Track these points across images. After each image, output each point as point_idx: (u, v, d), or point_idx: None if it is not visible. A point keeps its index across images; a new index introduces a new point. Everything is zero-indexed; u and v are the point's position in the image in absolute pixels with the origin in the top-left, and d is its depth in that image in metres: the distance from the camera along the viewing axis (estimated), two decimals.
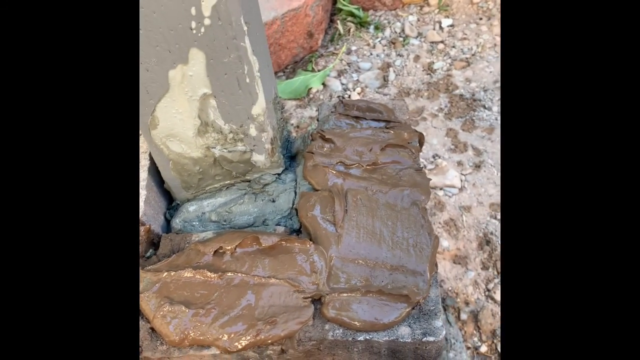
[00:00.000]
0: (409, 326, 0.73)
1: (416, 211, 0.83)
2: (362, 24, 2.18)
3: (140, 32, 0.72)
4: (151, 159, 0.94)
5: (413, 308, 0.73)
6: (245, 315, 0.73)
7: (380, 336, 0.72)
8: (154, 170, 0.94)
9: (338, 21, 2.20)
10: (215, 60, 0.75)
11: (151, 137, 0.85)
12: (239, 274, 0.77)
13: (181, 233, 0.89)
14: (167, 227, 0.95)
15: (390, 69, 2.02)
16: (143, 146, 0.95)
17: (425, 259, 0.77)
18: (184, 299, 0.75)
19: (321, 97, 1.93)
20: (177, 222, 0.92)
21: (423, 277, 0.75)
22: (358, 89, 1.96)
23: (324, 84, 1.96)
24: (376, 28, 2.17)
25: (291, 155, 0.99)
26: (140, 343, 0.75)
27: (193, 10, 0.70)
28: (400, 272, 0.76)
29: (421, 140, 0.96)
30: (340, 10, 2.20)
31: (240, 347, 0.72)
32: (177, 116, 0.82)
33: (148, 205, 0.89)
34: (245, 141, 0.87)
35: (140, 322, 0.76)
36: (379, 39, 2.14)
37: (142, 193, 0.88)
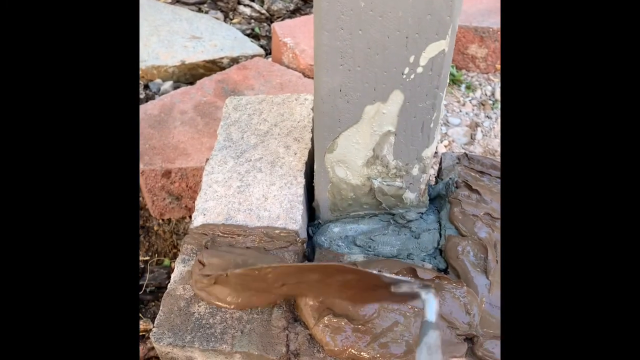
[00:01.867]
0: None
1: None
2: (454, 82, 2.27)
3: (357, 68, 0.80)
4: (306, 177, 1.02)
5: None
6: (403, 341, 0.79)
7: None
8: (305, 189, 1.02)
9: None
10: (411, 104, 0.83)
11: (323, 160, 0.93)
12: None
13: (331, 251, 0.95)
14: (309, 241, 1.02)
15: (478, 128, 2.10)
16: (298, 165, 1.03)
17: None
18: (346, 313, 0.81)
19: None
20: (322, 240, 0.99)
21: None
22: (445, 142, 2.04)
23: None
24: (467, 88, 2.27)
25: (430, 199, 1.06)
26: (297, 347, 0.80)
27: (412, 59, 0.78)
28: None
29: None
30: None
31: None
32: (354, 145, 0.90)
33: (303, 219, 0.96)
34: (405, 178, 0.94)
35: (298, 328, 0.82)
36: (469, 98, 2.23)
37: (300, 208, 0.95)
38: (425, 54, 0.77)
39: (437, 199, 1.05)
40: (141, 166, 1.56)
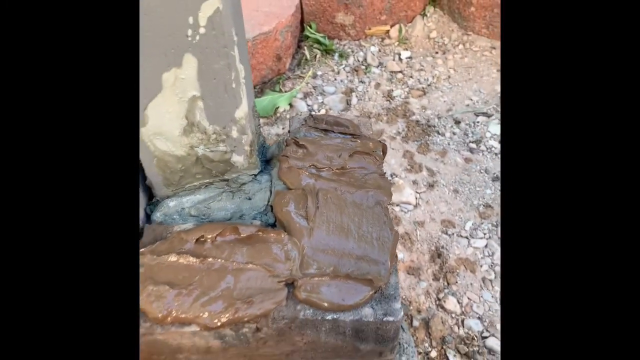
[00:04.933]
0: (372, 307, 0.82)
1: (379, 210, 0.93)
2: (327, 51, 2.31)
3: (146, 34, 0.80)
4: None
5: (375, 292, 0.83)
6: (225, 295, 0.81)
7: (346, 316, 0.80)
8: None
9: (305, 47, 2.33)
10: (206, 65, 0.84)
11: (141, 134, 0.92)
12: (219, 260, 0.84)
13: (162, 224, 0.95)
14: (147, 221, 1.01)
15: (353, 93, 2.15)
16: None
17: (387, 251, 0.87)
18: (168, 280, 0.82)
19: (287, 116, 2.03)
20: (157, 216, 0.99)
21: (385, 265, 0.85)
22: (323, 111, 2.07)
23: (290, 105, 2.07)
24: (340, 56, 2.31)
25: (266, 160, 1.08)
26: None
27: (190, 19, 0.79)
28: (365, 261, 0.85)
29: (384, 149, 1.07)
30: (307, 37, 2.34)
31: (219, 324, 0.79)
32: (166, 115, 0.90)
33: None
34: (227, 142, 0.96)
35: None
36: (343, 66, 2.28)
37: None
38: (202, 14, 0.78)
39: (273, 160, 1.07)
40: None
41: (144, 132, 0.92)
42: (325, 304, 0.80)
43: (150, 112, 0.89)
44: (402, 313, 0.81)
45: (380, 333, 0.83)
